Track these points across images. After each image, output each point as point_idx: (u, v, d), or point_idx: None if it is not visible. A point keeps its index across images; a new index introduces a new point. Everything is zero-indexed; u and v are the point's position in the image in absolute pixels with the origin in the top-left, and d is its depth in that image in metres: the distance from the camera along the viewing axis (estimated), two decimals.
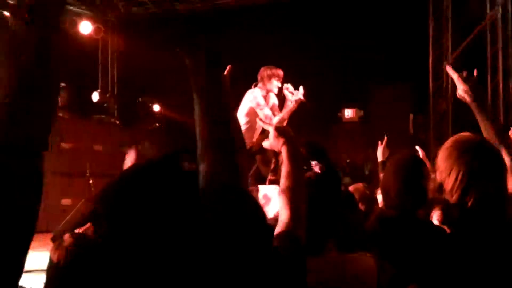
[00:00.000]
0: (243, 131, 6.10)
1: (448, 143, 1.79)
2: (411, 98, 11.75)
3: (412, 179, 2.19)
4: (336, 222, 2.02)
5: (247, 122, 6.20)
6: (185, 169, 1.12)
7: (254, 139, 6.28)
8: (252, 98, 6.12)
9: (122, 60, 11.84)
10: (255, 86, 6.24)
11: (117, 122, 10.85)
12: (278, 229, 1.41)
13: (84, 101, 10.68)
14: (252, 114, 6.13)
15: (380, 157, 4.17)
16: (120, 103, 11.48)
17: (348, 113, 12.80)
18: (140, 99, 11.38)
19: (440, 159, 1.79)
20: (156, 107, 11.48)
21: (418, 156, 2.85)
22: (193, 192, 1.09)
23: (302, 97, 5.95)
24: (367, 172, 10.96)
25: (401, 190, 2.17)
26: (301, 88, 6.01)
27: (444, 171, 1.75)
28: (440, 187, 1.77)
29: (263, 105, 6.10)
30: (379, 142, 4.26)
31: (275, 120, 6.02)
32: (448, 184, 1.73)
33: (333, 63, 11.89)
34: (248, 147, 6.15)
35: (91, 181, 8.41)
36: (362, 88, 12.04)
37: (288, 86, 6.08)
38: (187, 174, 1.11)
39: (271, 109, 6.27)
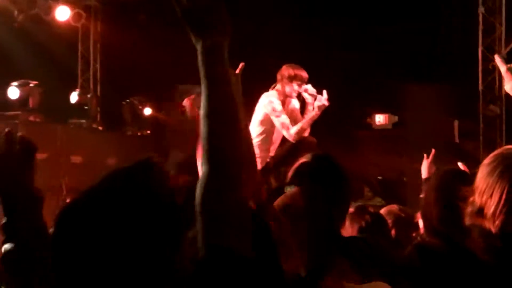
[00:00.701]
0: (258, 142, 6.12)
1: (489, 158, 1.79)
2: (456, 100, 11.72)
3: (455, 201, 2.19)
4: (349, 247, 2.04)
5: (262, 132, 6.20)
6: (156, 185, 1.18)
7: (272, 153, 6.28)
8: (267, 102, 6.13)
9: (106, 53, 11.92)
10: (273, 88, 6.26)
11: (100, 128, 10.90)
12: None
13: (61, 102, 10.75)
14: (268, 122, 6.14)
15: (424, 174, 4.19)
16: (104, 105, 11.54)
17: (380, 118, 12.78)
18: (127, 100, 11.44)
19: (479, 177, 1.78)
20: (148, 110, 11.53)
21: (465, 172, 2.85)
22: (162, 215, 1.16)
23: (326, 102, 5.98)
24: (402, 191, 10.94)
25: (445, 215, 2.16)
26: (324, 92, 6.03)
27: (484, 192, 1.74)
28: (480, 211, 1.76)
29: (280, 111, 6.11)
30: (425, 155, 4.26)
31: (294, 130, 6.03)
32: (490, 207, 1.72)
33: (362, 60, 11.92)
34: (263, 162, 6.15)
35: (67, 200, 8.44)
36: (396, 89, 12.03)
37: (308, 87, 6.10)
38: (158, 190, 1.18)
39: (291, 115, 6.28)
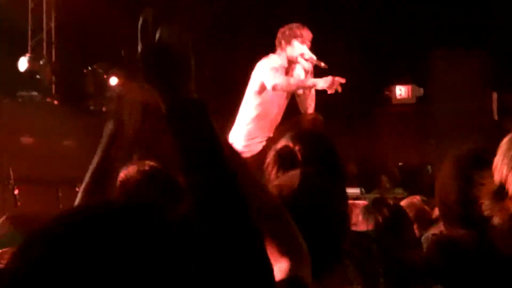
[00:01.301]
0: (254, 121, 6.18)
1: (510, 134, 1.82)
2: (493, 69, 11.75)
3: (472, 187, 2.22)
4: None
5: (259, 105, 6.23)
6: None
7: (271, 132, 6.31)
8: (263, 64, 6.16)
9: (63, 9, 11.86)
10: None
11: (55, 102, 10.89)
12: (277, 276, 1.45)
13: (6, 70, 10.72)
14: (266, 93, 6.18)
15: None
16: (60, 73, 11.51)
17: (401, 91, 12.81)
18: (90, 67, 11.41)
19: (498, 155, 1.81)
20: (114, 80, 11.50)
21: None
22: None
23: (340, 80, 6.02)
24: (427, 179, 10.99)
25: (467, 199, 2.19)
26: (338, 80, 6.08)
27: (504, 166, 1.77)
28: (499, 191, 1.78)
29: (277, 68, 6.12)
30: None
31: (276, 80, 6.04)
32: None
33: (378, 20, 11.91)
34: (262, 141, 6.20)
35: (16, 191, 8.44)
36: (421, 56, 12.03)
37: (305, 50, 6.13)
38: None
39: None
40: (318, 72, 6.38)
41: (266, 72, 6.14)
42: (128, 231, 1.11)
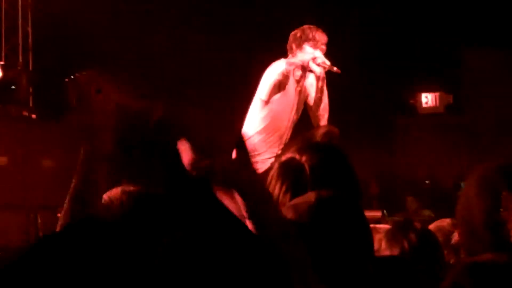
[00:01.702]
0: (260, 131, 6.22)
1: None
2: None
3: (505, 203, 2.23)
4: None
5: (267, 116, 6.24)
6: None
7: (279, 149, 6.32)
8: (270, 76, 6.18)
9: (41, 11, 11.91)
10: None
11: (33, 116, 10.92)
12: None
13: None
14: (275, 102, 6.19)
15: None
16: (38, 83, 11.54)
17: (428, 99, 12.83)
18: (72, 76, 11.43)
19: None
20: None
21: None
22: None
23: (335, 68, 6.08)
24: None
25: (493, 220, 2.20)
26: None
27: None
28: None
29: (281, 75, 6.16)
30: None
31: (262, 94, 6.09)
32: None
33: (402, 19, 11.93)
34: (270, 158, 6.21)
35: None
36: (450, 58, 12.05)
37: (318, 54, 6.16)
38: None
39: (303, 95, 6.35)
40: (331, 78, 6.40)
41: (267, 85, 6.20)
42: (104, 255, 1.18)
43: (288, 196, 2.42)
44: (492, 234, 2.21)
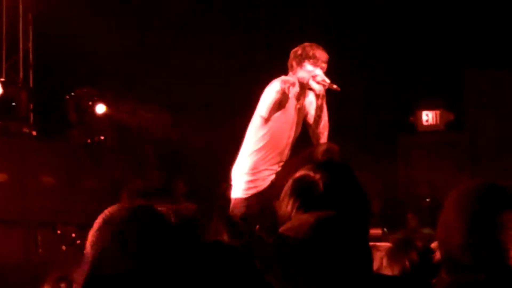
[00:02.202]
0: (259, 149, 6.21)
1: None
2: None
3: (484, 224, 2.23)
4: None
5: (267, 134, 6.23)
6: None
7: (278, 167, 6.31)
8: (270, 93, 6.18)
9: (42, 27, 11.92)
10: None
11: (33, 132, 10.91)
12: None
13: None
14: (275, 119, 6.19)
15: None
16: (39, 100, 11.54)
17: (428, 116, 12.82)
18: (72, 93, 11.45)
19: None
20: (101, 108, 11.55)
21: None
22: None
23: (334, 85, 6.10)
24: None
25: (471, 241, 2.20)
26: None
27: None
28: None
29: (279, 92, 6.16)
30: None
31: (262, 111, 6.11)
32: None
33: (402, 36, 11.94)
34: (271, 175, 6.22)
35: None
36: (451, 76, 12.05)
37: (318, 72, 6.17)
38: None
39: (302, 113, 6.35)
40: (331, 96, 6.40)
41: (267, 102, 6.20)
42: None
43: (300, 213, 2.42)
44: (470, 254, 2.21)
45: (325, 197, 2.43)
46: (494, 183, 2.35)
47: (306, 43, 6.34)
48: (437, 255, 3.41)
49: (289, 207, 2.46)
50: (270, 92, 6.20)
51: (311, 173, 2.52)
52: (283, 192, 2.53)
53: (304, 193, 2.48)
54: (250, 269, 1.45)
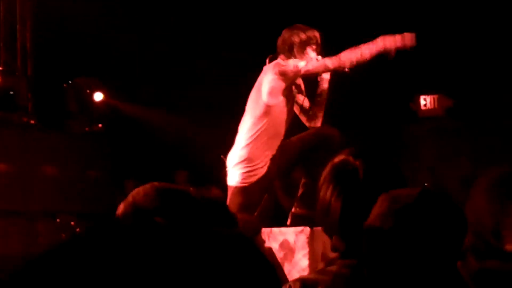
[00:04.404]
0: (259, 136, 6.18)
1: None
2: None
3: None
4: None
5: (268, 120, 6.20)
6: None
7: (274, 150, 6.29)
8: (272, 68, 6.16)
9: (41, 15, 11.92)
10: (273, 60, 6.30)
11: (32, 122, 10.92)
12: None
13: None
14: (277, 105, 6.17)
15: None
16: (38, 89, 11.54)
17: (427, 101, 12.77)
18: (70, 81, 11.46)
19: None
20: (98, 96, 11.55)
21: None
22: None
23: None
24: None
25: (503, 227, 2.21)
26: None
27: None
28: None
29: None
30: None
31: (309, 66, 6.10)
32: None
33: (399, 18, 11.93)
34: (266, 161, 6.18)
35: None
36: (451, 60, 12.04)
37: (318, 57, 6.17)
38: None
39: (301, 101, 6.35)
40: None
41: (289, 65, 6.15)
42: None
43: (340, 199, 2.43)
44: (501, 242, 2.23)
45: (364, 184, 2.44)
46: None
47: (301, 27, 6.31)
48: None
49: (328, 194, 2.46)
50: (268, 78, 6.18)
51: (351, 159, 2.51)
52: (322, 178, 2.53)
53: (343, 180, 2.49)
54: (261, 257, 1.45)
